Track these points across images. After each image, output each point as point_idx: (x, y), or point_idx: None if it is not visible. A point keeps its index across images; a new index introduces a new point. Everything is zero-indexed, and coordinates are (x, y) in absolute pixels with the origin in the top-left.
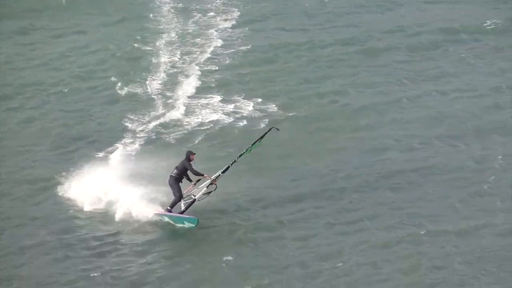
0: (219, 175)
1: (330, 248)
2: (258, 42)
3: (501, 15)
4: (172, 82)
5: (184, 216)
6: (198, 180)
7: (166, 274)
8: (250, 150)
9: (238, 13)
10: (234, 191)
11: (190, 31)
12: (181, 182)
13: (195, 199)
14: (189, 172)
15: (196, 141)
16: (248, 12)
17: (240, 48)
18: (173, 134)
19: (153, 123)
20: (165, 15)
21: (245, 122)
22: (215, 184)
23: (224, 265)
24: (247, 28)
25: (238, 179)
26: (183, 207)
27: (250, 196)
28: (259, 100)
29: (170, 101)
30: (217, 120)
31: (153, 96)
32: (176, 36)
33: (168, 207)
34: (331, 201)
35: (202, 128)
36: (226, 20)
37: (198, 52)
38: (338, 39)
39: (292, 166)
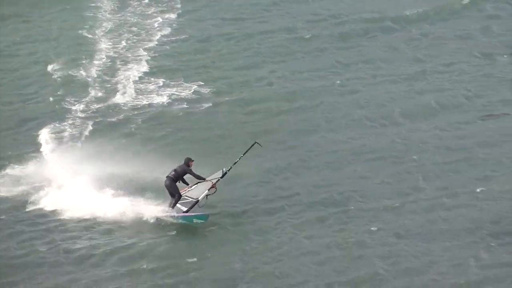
0: (218, 179)
1: (264, 224)
2: (196, 31)
3: (425, 4)
4: (113, 68)
5: (194, 214)
6: (196, 183)
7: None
8: (236, 162)
9: (179, 5)
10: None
11: (130, 20)
12: (177, 183)
13: (198, 200)
14: (188, 176)
15: (138, 123)
16: (187, 2)
17: (180, 36)
18: (115, 117)
19: (95, 106)
20: (107, 5)
21: (184, 105)
22: (215, 187)
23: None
24: (186, 17)
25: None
26: (184, 208)
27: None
28: (198, 84)
29: (111, 85)
30: (158, 103)
31: (94, 81)
32: (118, 25)
33: (170, 207)
34: (264, 181)
35: (143, 110)
36: (164, 10)
37: (139, 40)
38: (271, 28)
39: (230, 146)
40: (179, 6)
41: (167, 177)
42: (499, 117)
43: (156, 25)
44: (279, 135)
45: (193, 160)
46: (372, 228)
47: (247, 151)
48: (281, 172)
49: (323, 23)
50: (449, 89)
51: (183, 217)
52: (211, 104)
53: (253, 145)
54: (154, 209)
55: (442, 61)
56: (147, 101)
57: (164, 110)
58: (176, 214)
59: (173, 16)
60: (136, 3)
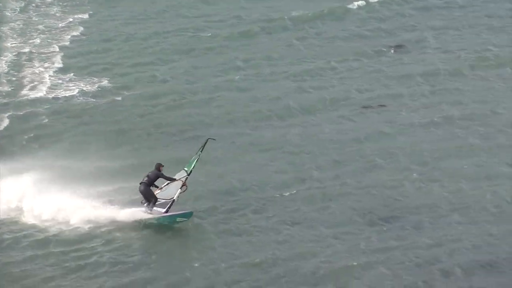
0: (187, 177)
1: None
2: (102, 30)
3: (318, 5)
4: (21, 65)
5: (177, 213)
6: (167, 184)
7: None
8: (197, 159)
9: (86, 6)
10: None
11: (38, 20)
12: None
13: (174, 199)
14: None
15: (46, 116)
16: (94, 4)
17: (86, 36)
18: (23, 111)
19: (3, 101)
20: (14, 5)
21: (91, 99)
22: (186, 185)
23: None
24: (93, 18)
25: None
26: (162, 209)
27: None
28: (104, 80)
29: (19, 80)
30: (65, 97)
31: (1, 77)
32: (26, 24)
33: (149, 211)
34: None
35: (51, 104)
36: (71, 11)
37: (47, 38)
38: (172, 28)
39: (135, 137)
40: (86, 7)
41: (141, 183)
42: (376, 108)
43: (63, 24)
44: (180, 128)
45: (163, 165)
46: (268, 215)
47: (202, 148)
48: (180, 163)
49: (223, 23)
50: (340, 85)
51: (167, 217)
52: (116, 98)
53: (206, 142)
54: (132, 212)
55: (334, 58)
56: (55, 95)
57: (71, 104)
58: (160, 215)
59: (80, 16)
60: (42, 3)
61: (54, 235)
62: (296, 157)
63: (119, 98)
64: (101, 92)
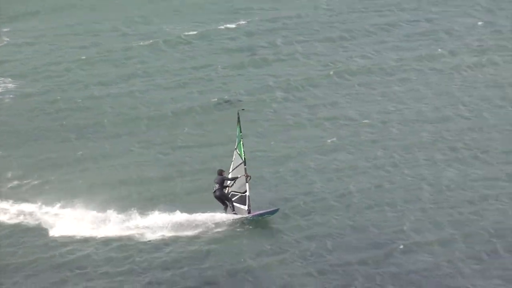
0: (245, 168)
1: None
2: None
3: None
4: None
5: (266, 211)
6: (234, 182)
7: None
8: (241, 135)
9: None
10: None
11: None
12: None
13: (248, 195)
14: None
15: None
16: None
17: None
18: None
19: None
20: None
21: None
22: (249, 175)
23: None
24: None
25: None
26: (241, 205)
27: None
28: (6, 81)
29: None
30: None
31: None
32: None
33: (234, 212)
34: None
35: None
36: None
37: None
38: (67, 31)
39: (38, 134)
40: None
41: (214, 191)
42: (234, 103)
43: None
44: (78, 126)
45: (224, 170)
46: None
47: (239, 122)
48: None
49: (109, 37)
50: (208, 84)
51: (256, 216)
52: (18, 97)
53: (238, 116)
54: (221, 216)
55: (201, 63)
56: None
57: None
58: (249, 215)
59: None
60: None
61: None
62: (173, 152)
63: (20, 97)
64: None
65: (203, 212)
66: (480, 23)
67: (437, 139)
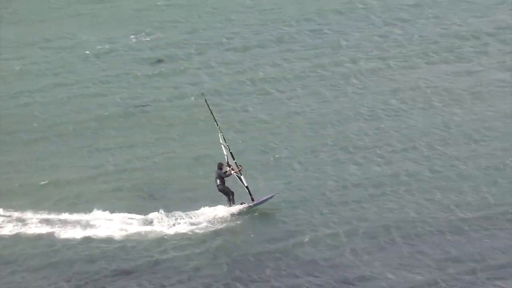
0: (235, 162)
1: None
2: None
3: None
4: None
5: (264, 198)
6: (229, 175)
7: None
8: (219, 128)
9: None
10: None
11: None
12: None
13: (247, 186)
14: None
15: None
16: None
17: None
18: None
19: None
20: None
21: None
22: (241, 167)
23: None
24: None
25: None
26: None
27: None
28: None
29: None
30: None
31: None
32: None
33: (242, 202)
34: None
35: None
36: None
37: None
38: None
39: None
40: None
41: (217, 185)
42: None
43: None
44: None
45: (223, 164)
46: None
47: (212, 112)
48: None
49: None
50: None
51: (260, 203)
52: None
53: (207, 103)
54: (227, 210)
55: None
56: None
57: None
58: (251, 204)
59: None
60: None
61: None
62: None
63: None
64: None
65: (119, 211)
66: (378, 33)
67: (339, 139)
